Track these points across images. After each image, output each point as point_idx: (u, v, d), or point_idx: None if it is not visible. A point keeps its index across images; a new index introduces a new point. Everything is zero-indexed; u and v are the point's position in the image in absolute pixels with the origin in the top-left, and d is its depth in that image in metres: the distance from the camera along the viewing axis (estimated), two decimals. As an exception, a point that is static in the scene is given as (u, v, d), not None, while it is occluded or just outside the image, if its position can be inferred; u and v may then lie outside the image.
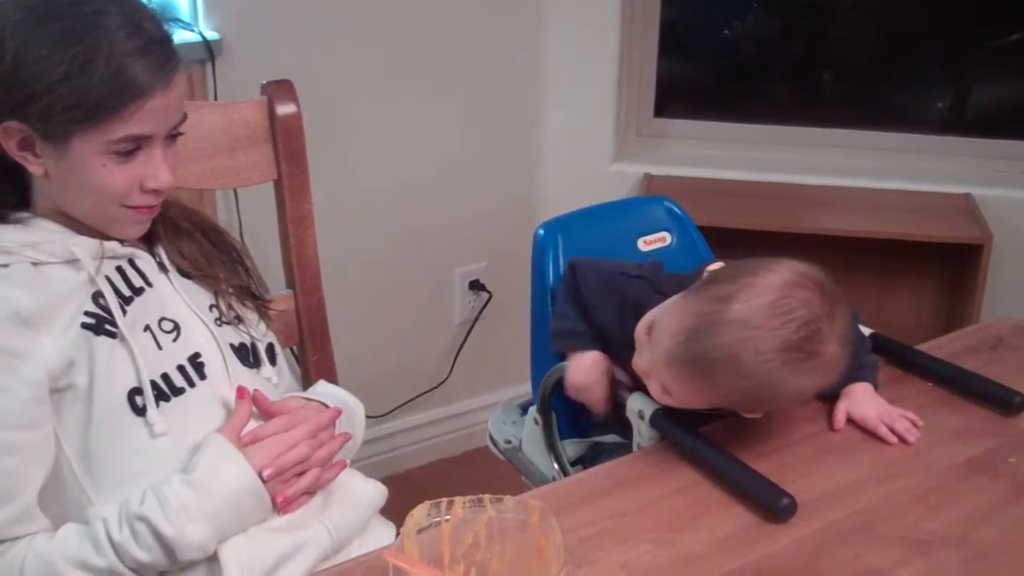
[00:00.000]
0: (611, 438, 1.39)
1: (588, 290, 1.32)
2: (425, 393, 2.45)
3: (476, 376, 2.49)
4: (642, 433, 1.22)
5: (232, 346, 1.19)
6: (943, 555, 1.01)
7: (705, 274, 1.17)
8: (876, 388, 1.25)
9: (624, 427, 1.30)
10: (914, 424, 1.20)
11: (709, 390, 1.10)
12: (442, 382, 2.47)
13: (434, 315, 2.43)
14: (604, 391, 1.29)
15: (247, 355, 1.20)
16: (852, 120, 2.59)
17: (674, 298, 1.15)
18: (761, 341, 1.05)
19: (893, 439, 1.19)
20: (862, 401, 1.22)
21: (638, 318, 1.20)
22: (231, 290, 1.23)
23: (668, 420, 1.19)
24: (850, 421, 1.22)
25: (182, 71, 1.08)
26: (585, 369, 1.30)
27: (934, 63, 2.71)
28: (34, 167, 1.07)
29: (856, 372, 1.24)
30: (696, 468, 1.13)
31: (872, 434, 1.20)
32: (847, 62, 2.77)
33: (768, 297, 1.06)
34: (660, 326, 1.13)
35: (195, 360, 1.13)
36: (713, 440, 1.15)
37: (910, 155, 2.54)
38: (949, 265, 2.40)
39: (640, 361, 1.18)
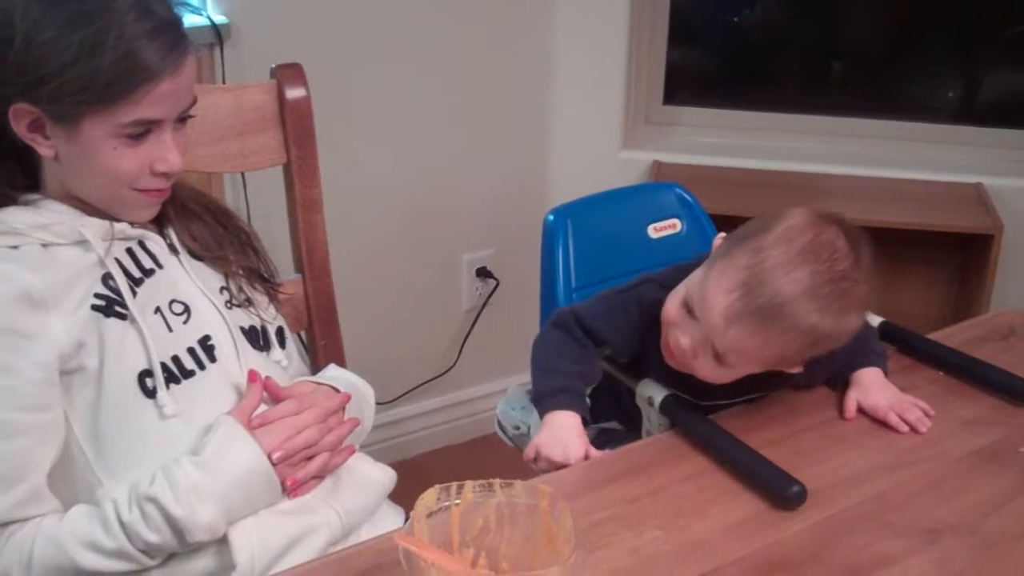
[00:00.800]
0: (616, 424, 1.38)
1: (596, 329, 1.24)
2: (432, 380, 2.45)
3: (483, 363, 2.49)
4: (652, 420, 1.22)
5: (242, 329, 1.18)
6: (953, 544, 1.00)
7: (718, 240, 1.16)
8: (886, 374, 1.25)
9: (626, 417, 1.30)
10: (925, 414, 1.20)
11: (776, 339, 1.08)
12: (449, 368, 2.47)
13: (441, 302, 2.43)
14: (582, 447, 1.15)
15: (257, 338, 1.20)
16: (862, 109, 2.58)
17: (701, 269, 1.13)
18: (816, 276, 1.06)
19: (904, 428, 1.18)
20: (872, 389, 1.22)
21: (658, 319, 1.18)
22: (241, 272, 1.23)
23: (678, 406, 1.18)
24: (860, 409, 1.22)
25: (192, 54, 1.07)
26: (568, 427, 1.16)
27: (945, 52, 2.70)
28: (44, 149, 1.06)
29: (866, 358, 1.23)
30: (706, 455, 1.13)
31: (883, 422, 1.20)
32: (857, 50, 2.76)
33: (806, 236, 1.08)
34: (706, 294, 1.10)
35: (205, 342, 1.13)
36: (723, 427, 1.14)
37: (920, 144, 2.53)
38: (959, 255, 2.39)
39: (683, 338, 1.14)
